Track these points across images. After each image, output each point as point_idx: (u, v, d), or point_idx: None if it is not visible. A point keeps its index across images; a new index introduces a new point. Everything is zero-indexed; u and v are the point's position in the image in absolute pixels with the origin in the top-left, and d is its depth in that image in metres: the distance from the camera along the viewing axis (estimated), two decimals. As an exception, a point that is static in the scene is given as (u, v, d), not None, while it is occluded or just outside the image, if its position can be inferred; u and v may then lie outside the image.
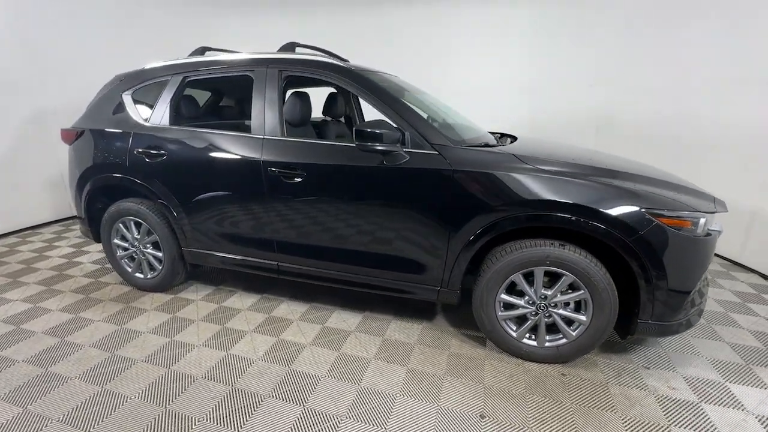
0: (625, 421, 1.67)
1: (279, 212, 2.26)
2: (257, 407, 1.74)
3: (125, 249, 2.80)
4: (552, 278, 1.91)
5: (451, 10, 4.91)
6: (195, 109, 2.83)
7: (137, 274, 2.84)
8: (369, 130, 1.90)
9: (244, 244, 2.45)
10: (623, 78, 4.24)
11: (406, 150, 1.98)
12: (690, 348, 2.19)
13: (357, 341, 2.23)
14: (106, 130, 2.64)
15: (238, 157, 2.28)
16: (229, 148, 2.32)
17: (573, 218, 1.77)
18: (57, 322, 2.41)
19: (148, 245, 2.72)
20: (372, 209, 2.09)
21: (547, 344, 2.00)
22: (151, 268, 2.77)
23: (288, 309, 2.59)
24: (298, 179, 2.16)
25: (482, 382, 1.91)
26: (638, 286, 1.81)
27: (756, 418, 1.70)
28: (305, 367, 2.00)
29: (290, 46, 2.47)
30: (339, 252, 2.24)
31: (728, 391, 1.86)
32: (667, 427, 1.64)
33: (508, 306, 2.02)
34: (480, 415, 1.70)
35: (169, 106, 2.52)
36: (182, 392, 1.82)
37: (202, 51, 2.68)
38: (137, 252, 2.76)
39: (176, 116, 2.54)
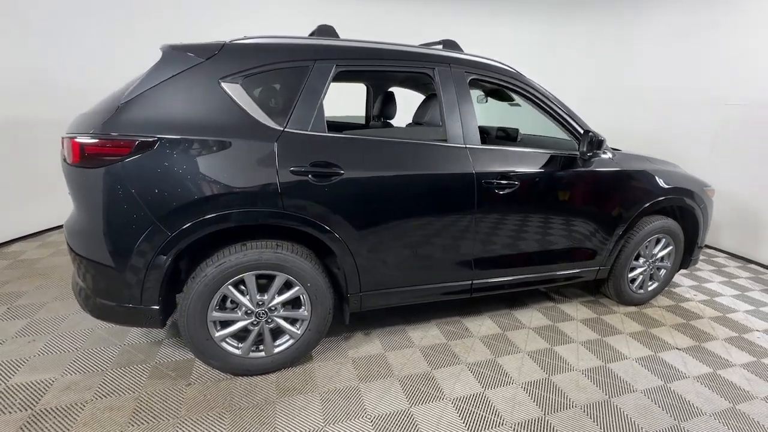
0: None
1: (484, 227, 2.12)
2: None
3: (226, 324, 1.81)
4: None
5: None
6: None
7: (255, 354, 1.89)
8: (599, 138, 2.19)
9: (438, 269, 2.12)
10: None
11: (593, 155, 2.32)
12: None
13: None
14: (221, 139, 1.62)
15: (444, 171, 1.97)
16: (429, 160, 1.95)
17: (684, 199, 2.61)
18: None
19: (278, 307, 1.87)
20: (571, 210, 2.33)
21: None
22: (274, 338, 1.91)
23: (492, 325, 2.47)
24: (509, 189, 2.11)
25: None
26: (692, 246, 2.84)
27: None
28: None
29: (451, 44, 2.22)
30: (536, 255, 2.34)
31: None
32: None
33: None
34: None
35: (321, 104, 1.80)
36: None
37: (329, 31, 1.97)
38: (260, 320, 1.84)
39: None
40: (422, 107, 2.31)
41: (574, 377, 2.06)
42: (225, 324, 1.83)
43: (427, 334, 2.36)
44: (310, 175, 1.73)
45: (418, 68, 2.02)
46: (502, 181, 2.08)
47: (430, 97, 2.27)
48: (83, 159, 1.52)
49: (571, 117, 2.32)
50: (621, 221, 2.48)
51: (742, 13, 3.84)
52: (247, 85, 1.71)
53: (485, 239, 2.15)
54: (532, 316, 2.64)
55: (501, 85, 2.20)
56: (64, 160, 1.62)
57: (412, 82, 2.81)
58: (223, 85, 1.67)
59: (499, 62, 2.23)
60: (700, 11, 4.19)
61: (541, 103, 2.27)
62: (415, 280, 2.10)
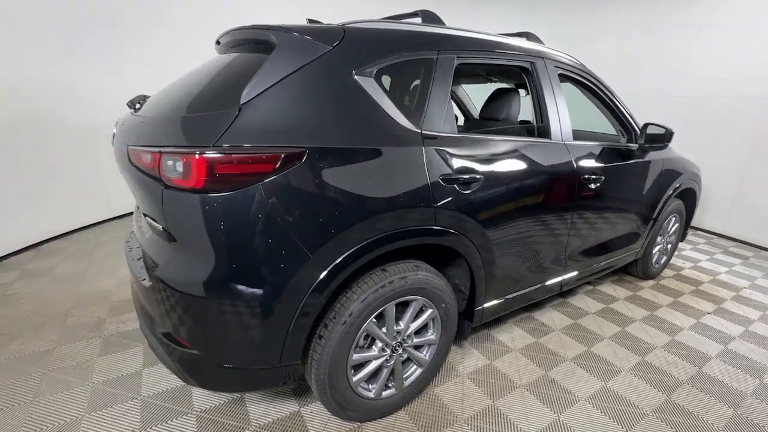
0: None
1: (578, 222, 2.13)
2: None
3: (359, 366, 1.52)
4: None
5: None
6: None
7: (386, 392, 1.62)
8: (670, 131, 2.35)
9: (543, 268, 2.07)
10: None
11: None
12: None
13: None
14: (371, 147, 1.33)
15: (554, 168, 1.92)
16: (542, 158, 1.87)
17: (693, 181, 2.97)
18: None
19: (411, 335, 1.63)
20: (631, 198, 2.48)
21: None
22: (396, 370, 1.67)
23: (561, 316, 2.45)
24: (598, 183, 2.14)
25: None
26: (688, 222, 3.26)
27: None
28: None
29: (534, 37, 2.13)
30: (608, 244, 2.45)
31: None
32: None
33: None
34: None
35: (450, 100, 1.58)
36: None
37: (434, 18, 1.72)
38: (395, 353, 1.58)
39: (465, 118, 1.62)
40: (499, 102, 2.20)
41: (660, 355, 2.21)
42: (358, 366, 1.54)
43: (514, 335, 2.32)
44: (456, 184, 1.52)
45: (521, 62, 1.91)
46: (593, 176, 2.11)
47: (503, 91, 2.17)
48: (211, 181, 1.09)
49: (627, 110, 2.45)
50: (658, 205, 2.72)
51: (678, 15, 4.49)
52: (379, 79, 1.42)
53: (576, 234, 2.17)
54: (584, 301, 2.77)
55: (576, 78, 2.21)
56: (160, 181, 1.15)
57: (505, 76, 2.66)
58: (358, 79, 1.35)
59: (573, 56, 2.23)
60: (645, 12, 4.78)
61: (605, 96, 2.35)
62: (526, 283, 2.03)
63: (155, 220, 1.25)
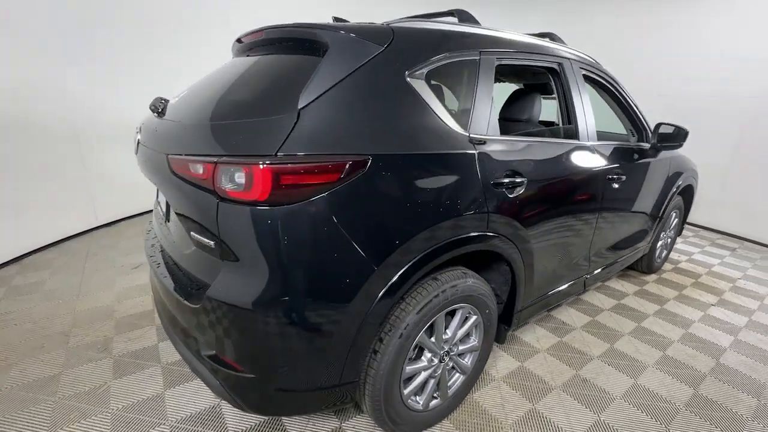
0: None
1: (602, 220, 2.15)
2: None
3: (408, 379, 1.47)
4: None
5: None
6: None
7: (433, 402, 1.58)
8: (685, 131, 2.39)
9: (572, 268, 2.09)
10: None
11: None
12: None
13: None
14: (430, 152, 1.29)
15: (585, 169, 1.93)
16: (574, 159, 1.88)
17: (693, 178, 3.08)
18: None
19: (457, 344, 1.59)
20: (645, 196, 2.52)
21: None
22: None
23: (576, 313, 2.49)
24: (620, 183, 2.17)
25: None
26: (685, 216, 3.39)
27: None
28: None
29: (557, 38, 2.12)
30: (623, 242, 2.49)
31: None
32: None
33: None
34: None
35: (492, 102, 1.54)
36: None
37: (470, 18, 1.68)
38: (441, 363, 1.54)
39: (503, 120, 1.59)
40: (521, 103, 2.18)
41: (679, 348, 2.27)
42: (407, 379, 1.49)
43: (538, 335, 2.32)
44: (503, 188, 1.49)
45: (550, 63, 1.90)
46: (615, 176, 2.13)
47: (523, 92, 2.16)
48: (277, 193, 1.01)
49: (639, 109, 2.50)
50: (665, 201, 2.80)
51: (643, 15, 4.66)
52: (429, 81, 1.36)
53: (600, 232, 2.19)
54: (596, 297, 2.82)
55: (595, 79, 2.23)
56: (215, 193, 1.05)
57: (531, 77, 2.63)
58: (410, 81, 1.30)
59: (592, 57, 2.25)
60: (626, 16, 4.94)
61: (621, 97, 2.39)
62: (557, 284, 2.04)
63: (203, 235, 1.14)
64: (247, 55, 1.68)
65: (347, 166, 1.08)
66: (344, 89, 1.16)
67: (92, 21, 3.39)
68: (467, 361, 1.69)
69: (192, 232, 1.18)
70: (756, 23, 4.01)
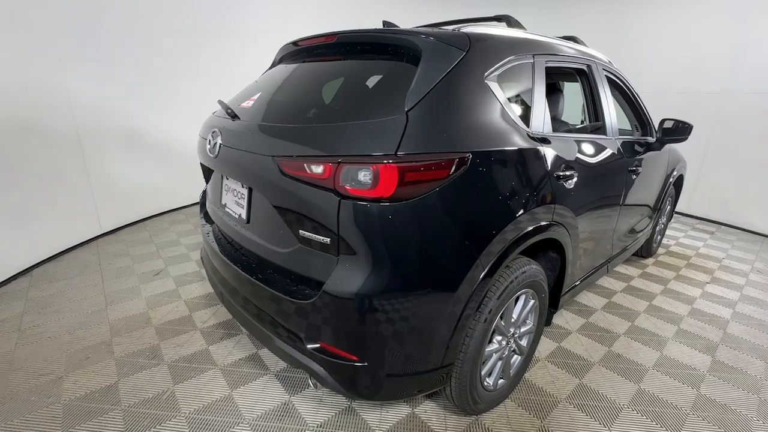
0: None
1: (624, 208, 2.34)
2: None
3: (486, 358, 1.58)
4: None
5: None
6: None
7: (500, 382, 1.70)
8: (689, 125, 2.63)
9: (601, 254, 2.28)
10: None
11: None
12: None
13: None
14: (511, 148, 1.39)
15: (614, 161, 2.11)
16: (607, 153, 2.05)
17: (684, 166, 3.37)
18: None
19: (520, 326, 1.72)
20: (653, 184, 2.76)
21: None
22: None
23: (593, 296, 2.66)
24: (637, 174, 2.38)
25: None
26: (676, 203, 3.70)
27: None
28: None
29: (575, 39, 2.28)
30: (634, 228, 2.70)
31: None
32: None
33: None
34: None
35: (546, 102, 1.67)
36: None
37: (517, 23, 1.79)
38: (509, 345, 1.67)
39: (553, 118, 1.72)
40: (554, 101, 2.31)
41: (690, 322, 2.52)
42: (483, 362, 1.59)
43: (566, 318, 2.50)
44: (562, 180, 1.62)
45: (581, 65, 2.06)
46: (635, 167, 2.33)
47: (555, 91, 2.30)
48: (400, 190, 1.08)
49: (645, 106, 2.73)
50: (664, 190, 3.06)
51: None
52: (500, 83, 1.47)
53: (621, 219, 2.39)
54: (607, 281, 3.05)
55: (611, 78, 2.41)
56: (335, 192, 1.11)
57: (560, 78, 2.78)
58: (488, 83, 1.40)
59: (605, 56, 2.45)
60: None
61: (630, 94, 2.60)
62: (591, 267, 2.22)
63: (317, 233, 1.19)
64: (303, 60, 1.72)
65: (455, 163, 1.17)
66: (440, 91, 1.24)
67: (92, 25, 3.26)
68: (524, 342, 1.82)
69: (301, 231, 1.22)
70: (720, 24, 4.42)
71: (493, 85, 1.42)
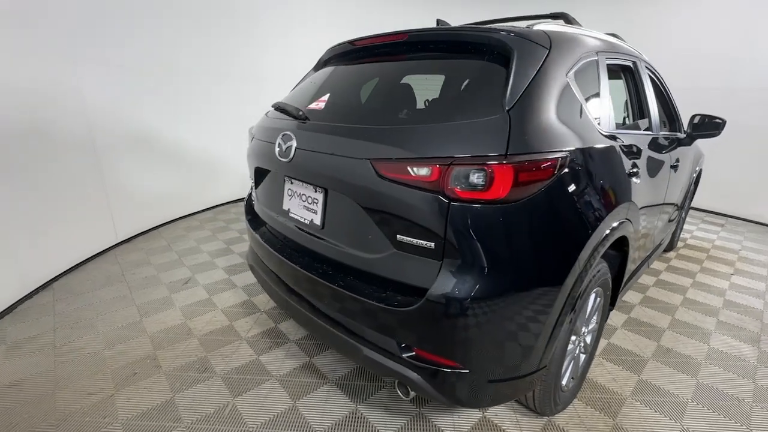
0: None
1: (665, 201, 2.36)
2: None
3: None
4: None
5: None
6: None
7: (572, 380, 1.69)
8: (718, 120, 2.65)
9: (648, 248, 2.29)
10: None
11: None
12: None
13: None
14: (602, 146, 1.41)
15: (663, 156, 2.14)
16: (657, 148, 2.08)
17: (702, 160, 3.43)
18: None
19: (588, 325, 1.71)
20: (683, 178, 2.79)
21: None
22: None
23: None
24: (677, 169, 2.41)
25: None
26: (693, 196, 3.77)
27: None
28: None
29: (615, 36, 2.29)
30: (669, 220, 2.74)
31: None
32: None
33: None
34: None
35: (610, 98, 1.66)
36: None
37: (572, 20, 1.78)
38: (579, 344, 1.65)
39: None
40: None
41: (727, 314, 2.56)
42: None
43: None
44: (632, 176, 1.62)
45: (629, 62, 2.06)
46: (676, 162, 2.36)
47: None
48: (514, 191, 1.05)
49: (674, 101, 2.76)
50: (691, 184, 3.11)
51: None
52: (578, 81, 1.46)
53: (662, 213, 2.41)
54: (636, 276, 3.08)
55: (649, 74, 2.43)
56: (443, 194, 1.07)
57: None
58: (569, 81, 1.38)
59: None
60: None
61: (662, 89, 2.63)
62: (640, 263, 2.22)
63: (420, 237, 1.15)
64: (361, 61, 1.68)
65: (559, 162, 1.15)
66: (534, 89, 1.22)
67: (104, 31, 3.14)
68: (589, 341, 1.81)
69: (398, 235, 1.18)
70: (719, 22, 4.53)
71: (573, 84, 1.40)
